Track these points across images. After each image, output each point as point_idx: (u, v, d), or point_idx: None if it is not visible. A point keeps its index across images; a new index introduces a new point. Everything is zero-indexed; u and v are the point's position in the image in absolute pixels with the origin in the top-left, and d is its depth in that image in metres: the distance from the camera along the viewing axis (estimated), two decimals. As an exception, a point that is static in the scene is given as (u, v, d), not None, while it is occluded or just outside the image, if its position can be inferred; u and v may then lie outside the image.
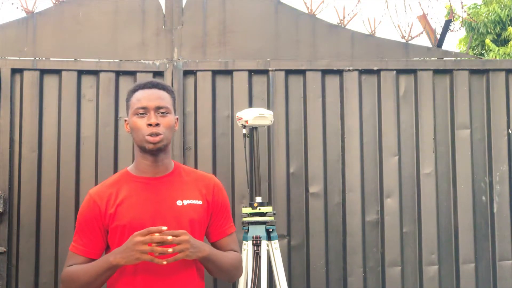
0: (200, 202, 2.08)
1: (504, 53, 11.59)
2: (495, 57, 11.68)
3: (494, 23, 12.72)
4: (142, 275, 1.97)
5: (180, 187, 2.08)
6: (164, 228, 1.85)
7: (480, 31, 12.85)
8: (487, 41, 12.26)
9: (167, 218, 1.99)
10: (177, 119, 2.13)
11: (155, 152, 2.03)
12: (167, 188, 2.06)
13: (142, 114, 2.02)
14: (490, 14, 12.82)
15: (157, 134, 1.99)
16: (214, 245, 2.16)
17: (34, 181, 3.36)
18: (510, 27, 12.15)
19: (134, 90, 2.09)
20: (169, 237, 1.83)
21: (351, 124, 3.59)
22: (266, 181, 3.47)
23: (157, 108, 2.02)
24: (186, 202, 2.05)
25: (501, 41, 12.64)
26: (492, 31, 12.76)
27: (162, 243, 1.83)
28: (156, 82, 2.10)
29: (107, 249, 2.07)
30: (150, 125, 1.99)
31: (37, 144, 3.39)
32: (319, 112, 3.58)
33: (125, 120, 2.12)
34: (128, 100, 2.10)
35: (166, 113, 2.04)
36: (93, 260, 2.02)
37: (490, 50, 11.94)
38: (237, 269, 2.19)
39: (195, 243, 1.92)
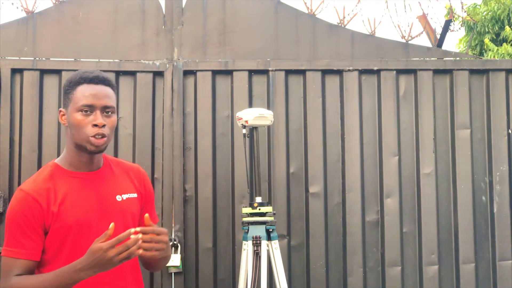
0: (135, 195, 2.02)
1: (503, 53, 11.58)
2: (494, 56, 11.67)
3: (492, 21, 12.71)
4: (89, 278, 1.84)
5: (115, 181, 2.00)
6: (133, 230, 1.72)
7: (478, 30, 12.84)
8: (486, 40, 12.25)
9: (112, 216, 1.89)
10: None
11: (95, 153, 1.93)
12: (104, 184, 1.96)
13: (87, 112, 1.88)
14: (489, 13, 12.81)
15: (102, 136, 1.88)
16: None
17: (34, 181, 3.35)
18: (507, 26, 12.14)
19: (78, 82, 1.92)
20: (139, 235, 1.72)
21: (351, 124, 3.59)
22: (266, 181, 3.47)
23: (104, 108, 1.90)
24: (125, 196, 1.98)
25: (500, 41, 12.63)
26: (491, 30, 12.75)
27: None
28: (102, 77, 1.94)
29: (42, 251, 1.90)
30: (95, 126, 1.87)
31: (37, 144, 3.39)
32: (319, 112, 3.58)
33: (61, 111, 1.96)
34: (69, 92, 1.93)
35: (112, 113, 1.93)
36: (36, 262, 1.86)
37: (489, 49, 11.93)
38: (166, 260, 2.09)
39: (168, 244, 1.86)
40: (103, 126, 1.89)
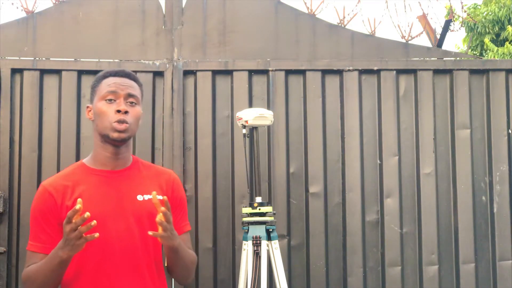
0: (161, 197, 1.97)
1: (503, 53, 11.58)
2: (494, 57, 11.67)
3: (492, 22, 12.71)
4: (106, 275, 1.88)
5: (140, 182, 2.00)
6: (78, 207, 1.69)
7: (478, 30, 12.84)
8: (486, 40, 12.25)
9: (127, 214, 1.90)
10: (141, 114, 2.03)
11: (118, 142, 1.92)
12: (127, 183, 1.97)
13: (111, 100, 1.91)
14: (489, 13, 12.81)
15: (124, 122, 1.89)
16: None
17: (34, 181, 3.35)
18: (509, 26, 12.14)
19: (104, 76, 1.98)
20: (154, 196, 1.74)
21: (351, 124, 3.59)
22: (266, 181, 3.47)
23: (128, 96, 1.93)
24: (147, 197, 1.97)
25: (500, 41, 12.63)
26: (491, 31, 12.76)
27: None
28: (128, 72, 2.01)
29: None
30: (118, 111, 1.89)
31: (37, 144, 3.39)
32: (319, 112, 3.58)
33: (88, 107, 2.01)
34: (95, 86, 1.99)
35: (136, 104, 1.95)
36: None
37: (489, 50, 11.93)
38: (194, 268, 2.09)
39: (173, 231, 1.84)
40: (126, 112, 1.90)
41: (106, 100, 1.92)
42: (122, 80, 1.96)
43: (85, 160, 2.03)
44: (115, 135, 1.90)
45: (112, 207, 1.91)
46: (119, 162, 1.99)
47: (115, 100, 1.92)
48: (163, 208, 1.76)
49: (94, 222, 1.69)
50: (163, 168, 2.19)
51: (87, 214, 1.68)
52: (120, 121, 1.89)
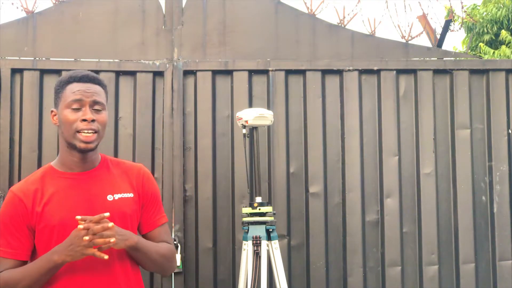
0: (131, 195, 1.99)
1: (500, 55, 11.57)
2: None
3: (491, 23, 12.71)
4: (78, 274, 1.87)
5: (110, 181, 1.98)
6: (107, 214, 1.76)
7: (477, 31, 12.84)
8: (481, 44, 12.24)
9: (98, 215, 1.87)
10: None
11: (86, 151, 1.92)
12: (96, 183, 1.95)
13: (76, 108, 1.89)
14: (488, 14, 12.81)
15: (93, 131, 1.88)
16: (145, 237, 2.06)
17: (34, 181, 3.35)
18: (503, 30, 12.13)
19: (68, 81, 1.94)
20: (110, 224, 1.76)
21: (351, 124, 3.59)
22: (266, 181, 3.47)
23: (93, 103, 1.91)
24: (117, 196, 1.96)
25: (499, 42, 12.62)
26: (490, 31, 12.76)
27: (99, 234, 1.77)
28: (92, 76, 1.96)
29: (33, 251, 1.92)
30: (84, 120, 1.87)
31: (37, 144, 3.39)
32: (319, 112, 3.58)
33: (52, 111, 1.97)
34: (59, 91, 1.95)
35: (101, 110, 1.93)
36: (24, 262, 1.90)
37: (485, 53, 11.91)
38: (169, 261, 2.06)
39: (122, 231, 1.84)
40: (93, 121, 1.89)
41: (71, 108, 1.90)
42: (87, 86, 1.93)
43: (53, 163, 2.01)
44: (82, 145, 1.89)
45: (81, 209, 1.89)
46: (87, 164, 1.98)
47: (80, 109, 1.90)
48: (96, 227, 1.77)
49: (113, 240, 1.75)
50: (132, 164, 2.14)
51: (111, 224, 1.74)
52: (87, 131, 1.88)
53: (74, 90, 1.91)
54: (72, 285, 1.87)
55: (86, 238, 1.73)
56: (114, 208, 1.93)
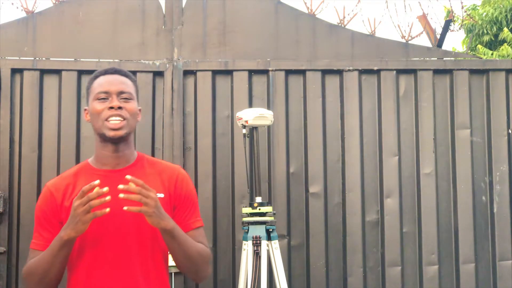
0: (161, 195, 1.96)
1: (498, 56, 11.57)
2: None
3: (490, 23, 12.70)
4: (99, 268, 1.87)
5: (142, 180, 1.91)
6: (97, 182, 1.71)
7: (476, 32, 12.84)
8: (479, 46, 12.24)
9: (125, 213, 1.83)
10: (140, 110, 2.01)
11: (116, 140, 1.89)
12: (127, 181, 1.89)
13: (103, 99, 1.89)
14: (487, 15, 12.81)
15: (120, 118, 1.87)
16: None
17: (34, 181, 3.36)
18: (505, 28, 12.12)
19: (95, 76, 1.97)
20: (105, 188, 1.71)
21: (351, 124, 3.59)
22: (266, 181, 3.47)
23: (120, 93, 1.90)
24: None
25: (499, 42, 12.62)
26: (490, 32, 12.75)
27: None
28: (118, 69, 1.99)
29: None
30: (111, 108, 1.87)
31: (37, 144, 3.39)
32: (319, 112, 3.58)
33: (85, 109, 1.98)
34: (88, 87, 1.97)
35: (130, 99, 1.93)
36: None
37: (484, 54, 11.90)
38: (205, 261, 2.00)
39: (162, 211, 1.81)
40: (119, 108, 1.88)
41: (99, 99, 1.91)
42: (114, 77, 1.95)
43: (90, 159, 2.03)
44: (111, 133, 1.88)
45: (108, 205, 1.84)
46: (120, 160, 1.97)
47: (107, 98, 1.90)
48: (137, 182, 1.73)
49: (108, 198, 1.71)
50: (169, 164, 2.13)
51: (106, 188, 1.70)
52: (114, 117, 1.87)
53: (101, 82, 1.94)
54: (90, 280, 1.87)
55: (95, 201, 1.70)
56: (140, 206, 1.89)
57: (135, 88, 2.00)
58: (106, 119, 1.88)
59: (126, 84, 1.95)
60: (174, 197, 2.01)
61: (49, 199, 1.94)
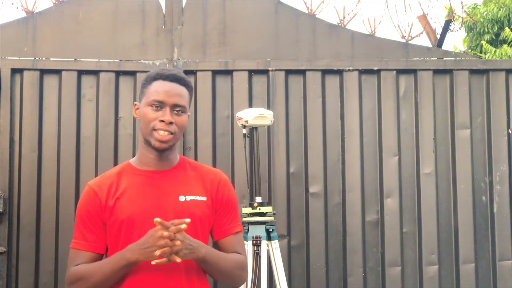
0: (204, 199, 1.97)
1: (501, 54, 11.57)
2: (493, 58, 11.67)
3: (492, 22, 12.71)
4: (141, 274, 1.87)
5: (184, 182, 1.97)
6: (188, 220, 1.75)
7: (477, 30, 12.84)
8: (483, 42, 12.24)
9: (167, 214, 1.87)
10: (189, 116, 2.01)
11: (160, 150, 1.93)
12: (170, 183, 1.95)
13: (157, 107, 1.89)
14: (489, 13, 12.81)
15: (168, 132, 1.88)
16: (217, 244, 2.04)
17: (34, 181, 3.36)
18: (506, 28, 12.12)
19: (155, 78, 1.95)
20: (183, 226, 1.75)
21: (351, 124, 3.59)
22: (266, 181, 3.48)
23: (174, 106, 1.90)
24: (189, 197, 1.94)
25: (500, 41, 12.62)
26: (491, 31, 12.75)
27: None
28: (179, 77, 1.97)
29: None
30: (162, 121, 1.88)
31: (37, 144, 3.39)
32: (319, 112, 3.58)
33: (136, 104, 2.01)
34: (144, 86, 1.97)
35: (182, 112, 1.93)
36: (100, 255, 1.92)
37: (487, 51, 11.90)
38: (241, 273, 2.03)
39: (191, 243, 1.82)
40: (170, 123, 1.89)
41: (152, 106, 1.91)
42: (172, 86, 1.93)
43: (132, 160, 2.03)
44: (157, 144, 1.89)
45: (151, 206, 1.90)
46: (164, 163, 1.97)
47: (161, 108, 1.90)
48: (173, 228, 1.75)
49: (184, 226, 1.74)
50: (210, 168, 2.12)
51: (184, 226, 1.72)
52: (163, 131, 1.88)
53: (158, 89, 1.92)
54: (135, 285, 1.86)
55: (165, 233, 1.72)
56: (184, 209, 1.92)
57: (190, 97, 2.00)
58: (155, 129, 1.88)
59: (182, 96, 1.94)
60: (215, 201, 2.01)
61: (93, 198, 1.92)
